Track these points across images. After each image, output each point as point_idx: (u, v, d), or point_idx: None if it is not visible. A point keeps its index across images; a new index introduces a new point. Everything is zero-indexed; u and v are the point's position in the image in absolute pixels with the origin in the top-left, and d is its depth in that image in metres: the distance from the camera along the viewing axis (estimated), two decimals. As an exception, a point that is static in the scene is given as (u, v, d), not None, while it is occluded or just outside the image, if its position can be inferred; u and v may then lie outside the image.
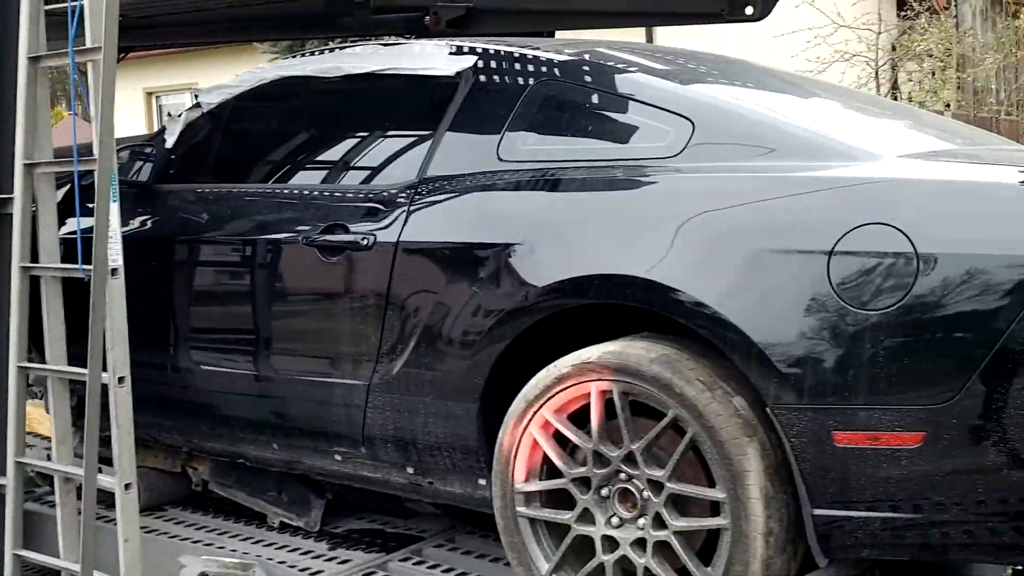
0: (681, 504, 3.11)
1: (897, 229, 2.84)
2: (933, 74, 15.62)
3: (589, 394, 3.17)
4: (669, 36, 17.04)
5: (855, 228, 2.88)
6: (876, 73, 16.33)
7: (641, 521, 3.15)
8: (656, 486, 3.12)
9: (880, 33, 16.23)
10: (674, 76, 3.69)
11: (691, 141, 3.26)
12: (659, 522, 3.12)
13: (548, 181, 3.44)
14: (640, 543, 3.15)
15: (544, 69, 3.63)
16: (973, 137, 3.94)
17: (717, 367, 3.06)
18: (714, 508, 3.03)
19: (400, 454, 3.65)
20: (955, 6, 15.59)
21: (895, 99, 16.74)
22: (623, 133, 3.43)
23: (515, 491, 3.30)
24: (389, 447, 3.67)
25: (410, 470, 3.66)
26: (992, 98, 13.78)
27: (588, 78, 3.57)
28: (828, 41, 15.71)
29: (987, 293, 2.74)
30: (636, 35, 17.36)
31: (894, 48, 16.42)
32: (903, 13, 17.18)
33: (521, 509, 3.30)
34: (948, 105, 15.28)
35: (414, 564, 3.88)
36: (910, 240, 2.82)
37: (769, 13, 5.76)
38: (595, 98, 3.52)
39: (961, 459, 2.77)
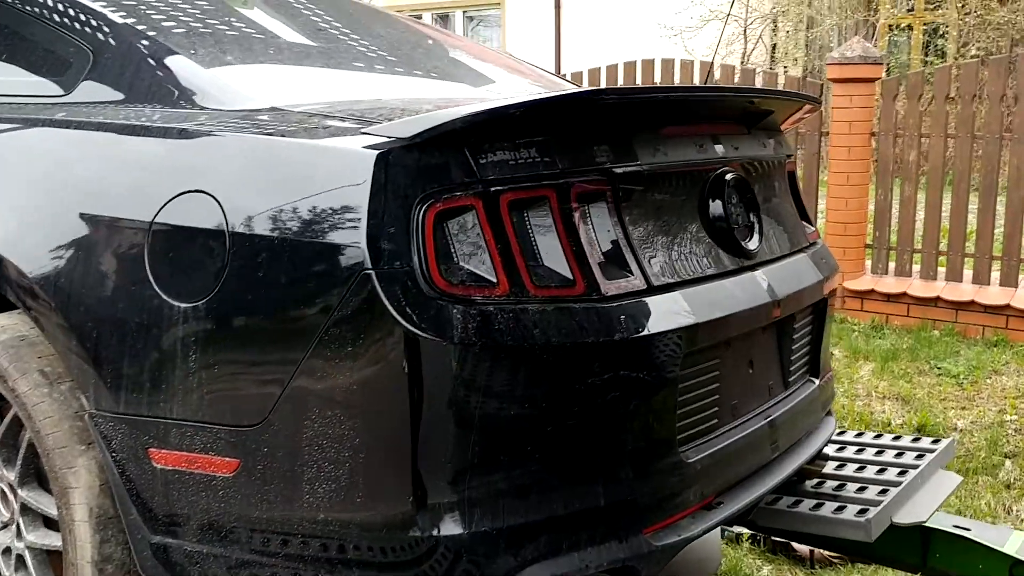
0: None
1: (214, 199, 1.76)
2: (787, 33, 14.35)
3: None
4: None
5: (176, 196, 1.80)
6: (744, 31, 15.06)
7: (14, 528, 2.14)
8: (14, 491, 2.10)
9: (750, -4, 14.95)
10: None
11: (85, 77, 2.13)
12: (20, 532, 2.11)
13: None
14: (8, 552, 2.14)
15: None
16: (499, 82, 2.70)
17: (78, 355, 2.01)
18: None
19: None
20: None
21: (772, 56, 15.50)
22: (27, 64, 2.28)
23: None
24: None
25: None
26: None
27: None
28: (706, 2, 14.50)
29: (297, 284, 1.68)
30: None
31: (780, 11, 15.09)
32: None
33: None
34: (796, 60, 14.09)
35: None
36: (224, 214, 1.75)
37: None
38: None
39: (274, 494, 1.74)
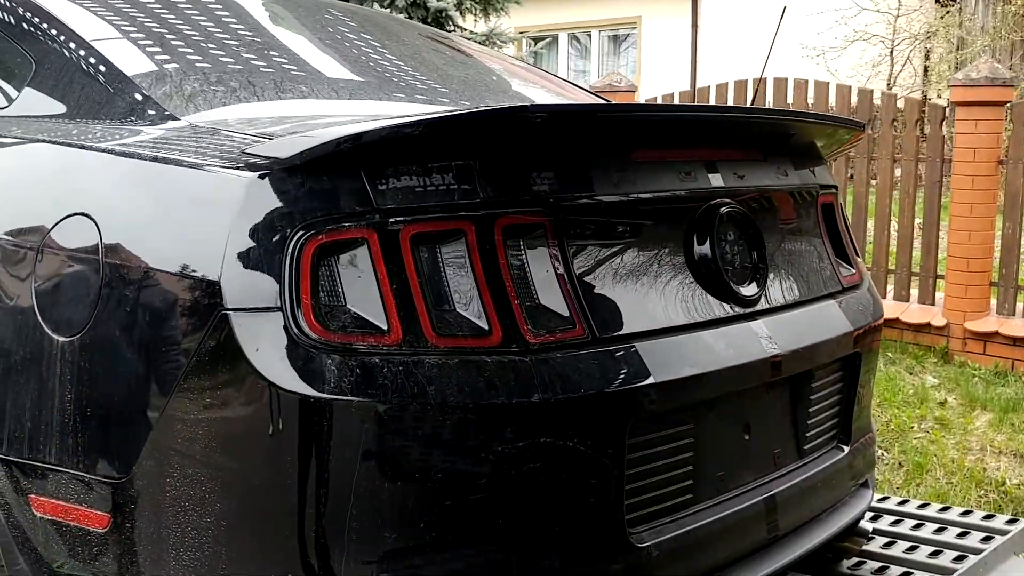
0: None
1: (94, 222, 1.57)
2: (940, 55, 13.43)
3: None
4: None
5: (65, 218, 1.62)
6: (891, 52, 14.20)
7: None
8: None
9: (898, 16, 14.09)
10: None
11: (27, 86, 1.97)
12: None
13: None
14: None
15: None
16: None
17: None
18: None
19: None
20: (961, -8, 13.28)
21: (926, 78, 14.52)
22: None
23: None
24: None
25: None
26: (981, 78, 11.55)
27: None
28: (850, 22, 13.78)
29: (160, 324, 1.47)
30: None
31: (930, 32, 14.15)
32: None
33: None
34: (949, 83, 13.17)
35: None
36: (101, 240, 1.55)
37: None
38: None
39: (143, 557, 1.53)
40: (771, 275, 1.90)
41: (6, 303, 1.66)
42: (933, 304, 5.83)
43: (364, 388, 1.37)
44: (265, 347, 1.36)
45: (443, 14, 8.72)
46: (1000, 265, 5.58)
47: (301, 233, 1.39)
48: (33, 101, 1.90)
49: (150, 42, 1.95)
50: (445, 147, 1.48)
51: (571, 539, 1.51)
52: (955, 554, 2.32)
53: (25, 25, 1.97)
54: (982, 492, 4.46)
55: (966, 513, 2.61)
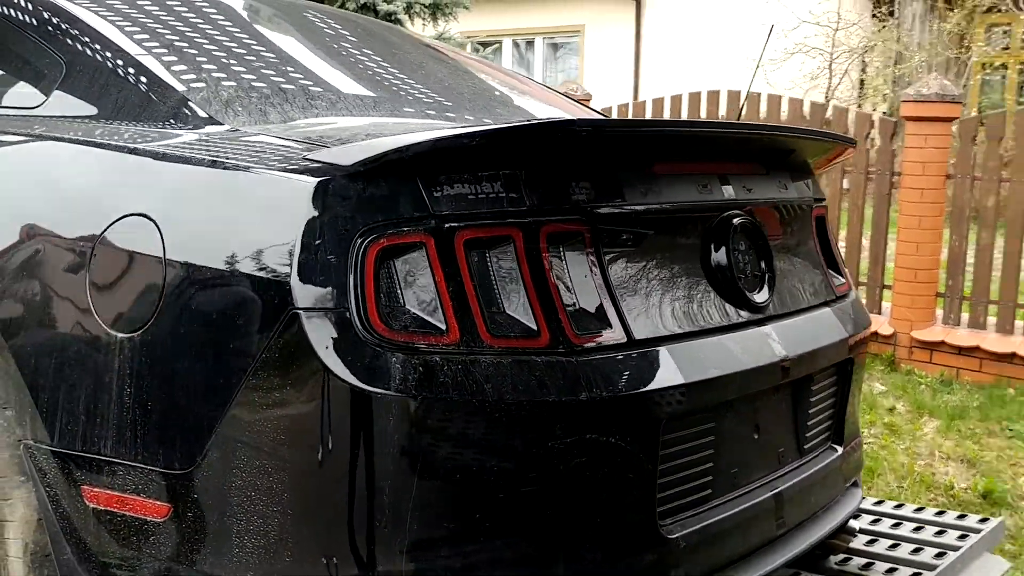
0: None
1: (154, 223, 1.64)
2: (877, 69, 13.93)
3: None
4: (660, 8, 15.64)
5: (121, 218, 1.68)
6: (830, 65, 14.65)
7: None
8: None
9: (837, 30, 14.55)
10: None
11: (57, 87, 2.02)
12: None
13: None
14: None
15: None
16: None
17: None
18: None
19: None
20: (899, 8, 13.80)
21: (861, 92, 15.01)
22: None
23: None
24: None
25: None
26: (918, 93, 12.02)
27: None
28: (790, 35, 14.18)
29: (228, 322, 1.56)
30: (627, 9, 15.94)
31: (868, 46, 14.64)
32: (876, 12, 15.41)
33: None
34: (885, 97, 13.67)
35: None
36: (163, 241, 1.62)
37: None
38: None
39: (205, 545, 1.60)
40: (777, 283, 2.04)
41: (58, 300, 1.72)
42: (880, 313, 6.09)
43: (427, 385, 1.46)
44: (332, 345, 1.45)
45: (392, 17, 8.79)
46: (946, 276, 5.86)
47: (364, 237, 1.48)
48: (72, 103, 1.95)
49: (185, 47, 2.02)
50: (494, 157, 1.58)
51: (610, 531, 1.63)
52: (935, 551, 2.50)
53: (62, 30, 2.02)
54: (931, 496, 4.69)
55: (940, 513, 2.79)
